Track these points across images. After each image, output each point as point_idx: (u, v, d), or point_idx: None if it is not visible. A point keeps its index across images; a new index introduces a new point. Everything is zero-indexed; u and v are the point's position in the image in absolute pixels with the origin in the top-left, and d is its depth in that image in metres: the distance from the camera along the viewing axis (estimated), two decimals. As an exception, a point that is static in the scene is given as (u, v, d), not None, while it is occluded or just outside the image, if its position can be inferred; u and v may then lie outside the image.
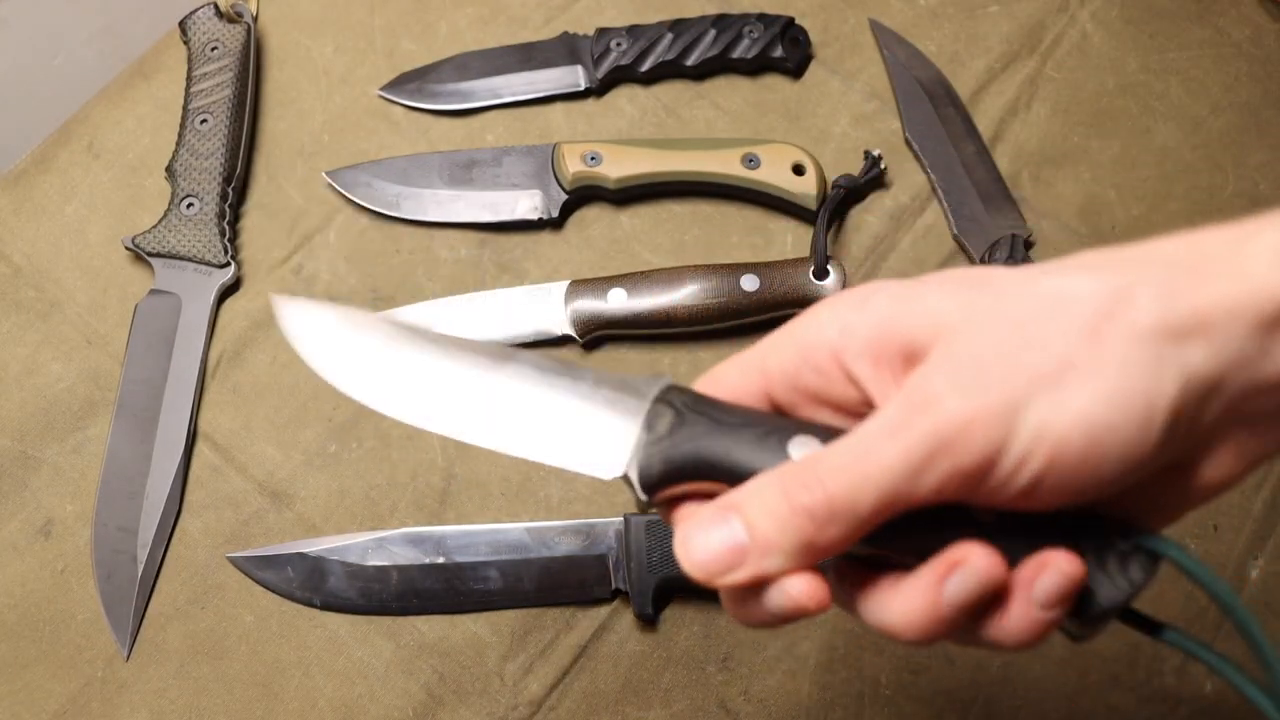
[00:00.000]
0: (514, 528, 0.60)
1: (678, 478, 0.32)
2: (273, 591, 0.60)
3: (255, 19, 0.71)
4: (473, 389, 0.34)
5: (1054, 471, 0.28)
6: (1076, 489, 0.29)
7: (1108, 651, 0.59)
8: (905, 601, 0.30)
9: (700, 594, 0.59)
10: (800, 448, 0.31)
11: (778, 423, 0.32)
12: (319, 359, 0.35)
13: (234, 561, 0.60)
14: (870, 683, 0.58)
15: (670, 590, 0.59)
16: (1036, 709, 0.58)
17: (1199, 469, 0.30)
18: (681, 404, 0.33)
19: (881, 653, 0.59)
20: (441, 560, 0.59)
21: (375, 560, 0.59)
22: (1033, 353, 0.28)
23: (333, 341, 0.35)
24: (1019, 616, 0.30)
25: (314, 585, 0.59)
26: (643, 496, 0.33)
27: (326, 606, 0.59)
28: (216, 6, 0.70)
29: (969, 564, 0.29)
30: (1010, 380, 0.28)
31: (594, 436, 0.33)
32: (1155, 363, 0.27)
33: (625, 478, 0.33)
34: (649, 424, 0.33)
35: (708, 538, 0.30)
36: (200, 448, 0.63)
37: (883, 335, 0.31)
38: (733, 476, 0.31)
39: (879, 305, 0.31)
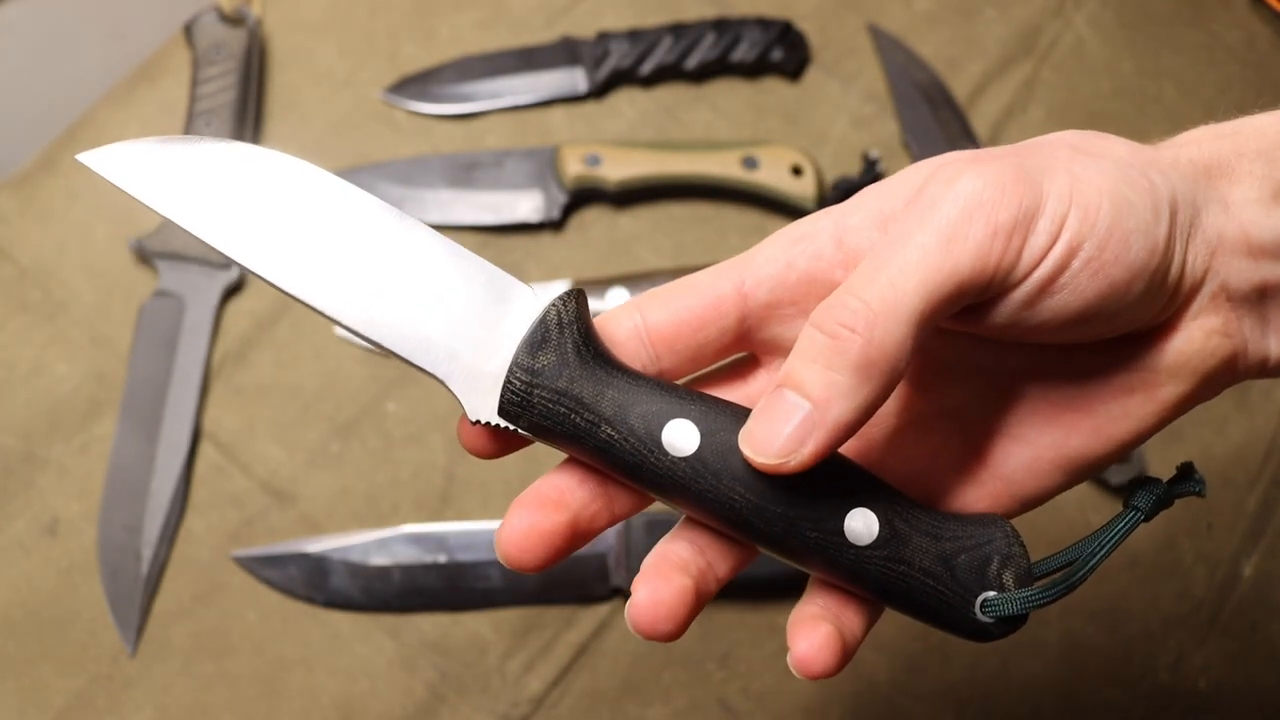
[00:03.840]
0: (515, 526, 0.60)
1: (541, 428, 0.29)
2: (276, 590, 0.60)
3: (259, 22, 0.72)
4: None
5: (1088, 242, 0.27)
6: (1104, 286, 0.28)
7: (1103, 649, 0.60)
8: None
9: (699, 592, 0.60)
10: (677, 432, 0.28)
11: (664, 396, 0.28)
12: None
13: (238, 560, 0.61)
14: (868, 680, 0.59)
15: (670, 588, 0.60)
16: (1033, 706, 0.59)
17: (1175, 337, 0.30)
18: (572, 345, 0.29)
19: (880, 651, 0.59)
20: (443, 559, 0.60)
21: (377, 559, 0.60)
22: (1035, 159, 0.29)
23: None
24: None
25: (317, 583, 0.60)
26: (485, 419, 0.29)
27: (329, 604, 0.60)
28: (220, 10, 0.70)
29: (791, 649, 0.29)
30: (1025, 167, 0.28)
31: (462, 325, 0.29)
32: (1142, 170, 0.29)
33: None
34: (530, 345, 0.29)
35: (773, 428, 0.27)
36: (204, 447, 0.63)
37: (882, 201, 0.30)
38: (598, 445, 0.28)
39: (870, 194, 0.30)
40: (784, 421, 0.27)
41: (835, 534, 0.28)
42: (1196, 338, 0.30)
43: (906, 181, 0.30)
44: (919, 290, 0.27)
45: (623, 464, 0.28)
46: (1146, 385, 0.30)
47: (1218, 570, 0.61)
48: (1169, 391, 0.30)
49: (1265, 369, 0.31)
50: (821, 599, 0.30)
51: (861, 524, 0.29)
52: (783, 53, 0.73)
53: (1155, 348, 0.30)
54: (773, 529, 0.28)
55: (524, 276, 0.68)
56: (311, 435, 0.64)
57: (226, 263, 0.66)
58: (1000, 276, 0.27)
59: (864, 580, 0.29)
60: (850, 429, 0.27)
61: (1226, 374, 0.30)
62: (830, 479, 0.29)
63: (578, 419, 0.28)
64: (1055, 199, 0.27)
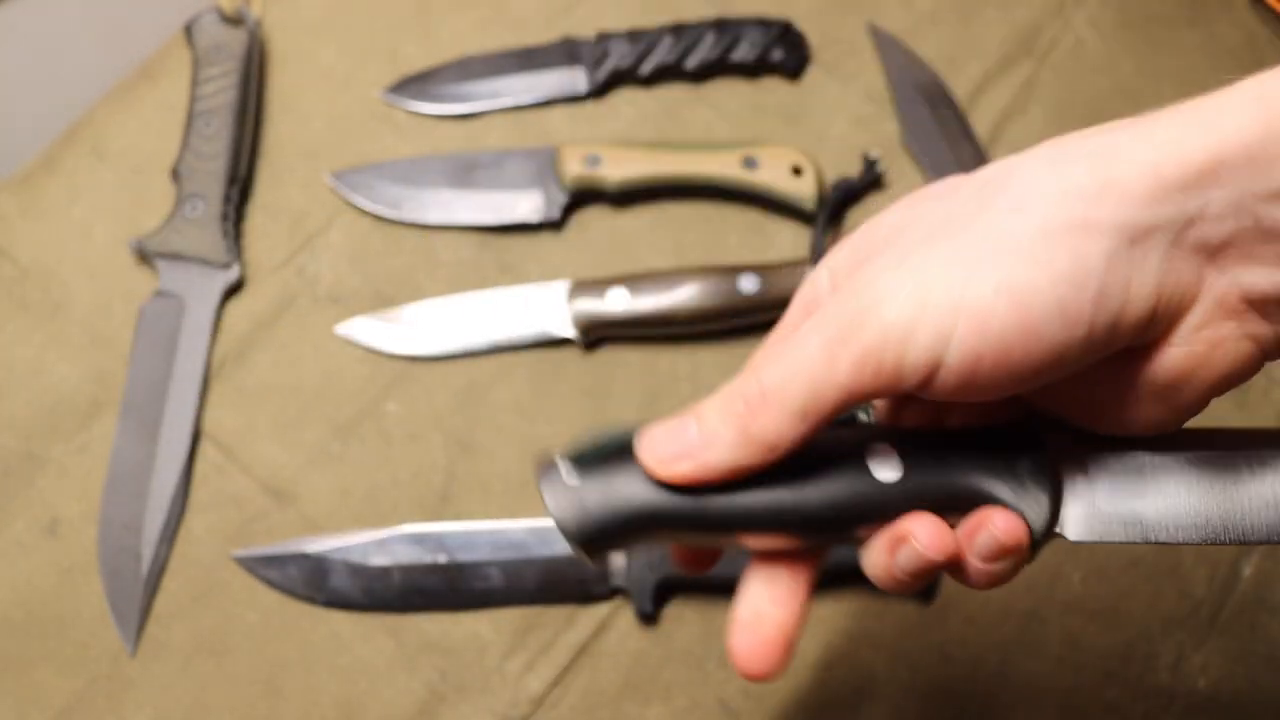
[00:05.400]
0: (515, 526, 0.60)
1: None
2: (276, 590, 0.60)
3: (259, 23, 0.72)
4: None
5: (987, 350, 0.28)
6: (1017, 368, 0.28)
7: (1103, 648, 0.60)
8: (870, 563, 0.32)
9: (700, 591, 0.60)
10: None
11: None
12: None
13: (238, 560, 0.61)
14: (868, 680, 0.59)
15: (670, 588, 0.60)
16: (1032, 705, 0.59)
17: (1168, 353, 0.29)
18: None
19: (879, 650, 0.59)
20: (443, 559, 0.60)
21: (377, 559, 0.60)
22: (951, 231, 0.29)
23: None
24: (970, 568, 0.31)
25: (317, 583, 0.60)
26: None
27: (329, 604, 0.60)
28: (220, 10, 0.70)
29: (913, 540, 0.30)
30: (923, 261, 0.29)
31: None
32: (1084, 222, 0.28)
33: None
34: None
35: (667, 437, 0.31)
36: (204, 447, 0.63)
37: (852, 258, 0.33)
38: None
39: (853, 237, 0.33)
40: (676, 437, 0.30)
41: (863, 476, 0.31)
42: (1198, 352, 0.29)
43: (869, 235, 0.33)
44: (802, 393, 0.29)
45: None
46: (1162, 397, 0.30)
47: (1218, 570, 0.61)
48: (1188, 395, 0.30)
49: None
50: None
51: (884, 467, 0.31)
52: (783, 53, 0.73)
53: (1152, 364, 0.29)
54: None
55: (524, 276, 0.68)
56: (311, 435, 0.64)
57: (226, 262, 0.66)
58: (888, 389, 0.29)
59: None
60: (723, 474, 0.30)
61: (1253, 368, 0.29)
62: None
63: None
64: (938, 311, 0.28)
